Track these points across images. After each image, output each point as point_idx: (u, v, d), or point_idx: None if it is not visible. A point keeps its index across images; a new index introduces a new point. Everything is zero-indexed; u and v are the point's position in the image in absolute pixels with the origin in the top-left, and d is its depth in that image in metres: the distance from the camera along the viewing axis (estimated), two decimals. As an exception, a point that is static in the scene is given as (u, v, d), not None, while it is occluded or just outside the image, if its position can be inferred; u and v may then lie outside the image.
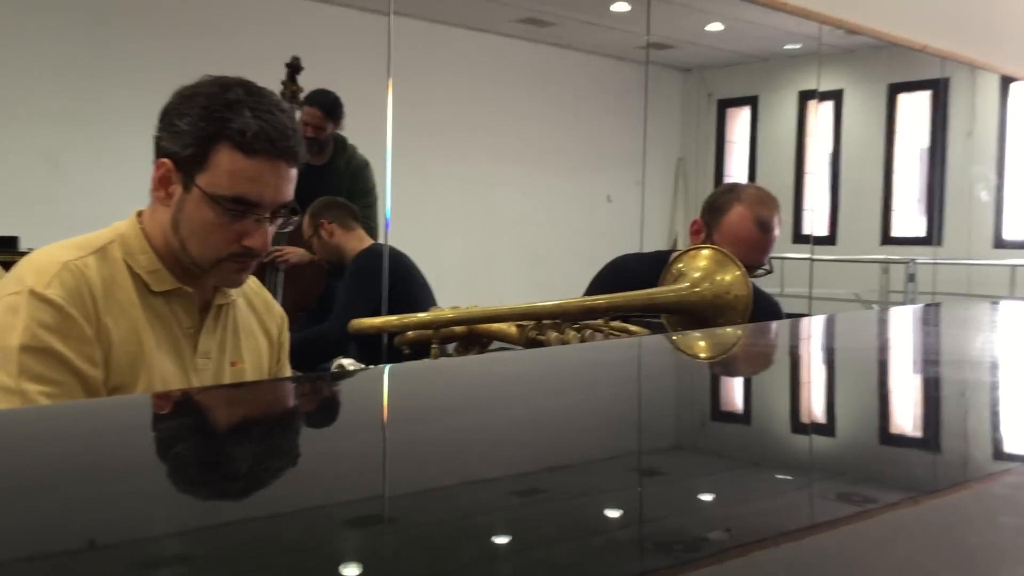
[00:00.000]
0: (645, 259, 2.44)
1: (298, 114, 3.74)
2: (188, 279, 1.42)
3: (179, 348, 1.42)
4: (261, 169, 1.36)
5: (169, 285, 1.40)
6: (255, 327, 1.56)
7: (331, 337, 2.98)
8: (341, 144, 3.90)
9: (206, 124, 1.34)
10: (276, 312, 1.63)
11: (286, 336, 1.65)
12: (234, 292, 1.51)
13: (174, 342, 1.41)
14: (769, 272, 2.27)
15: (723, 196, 2.31)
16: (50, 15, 5.35)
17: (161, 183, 1.39)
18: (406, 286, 3.24)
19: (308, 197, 3.51)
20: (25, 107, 5.24)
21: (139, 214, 1.44)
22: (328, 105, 3.83)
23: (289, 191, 1.42)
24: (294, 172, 1.42)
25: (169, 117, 1.38)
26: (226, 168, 1.35)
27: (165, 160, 1.38)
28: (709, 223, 2.28)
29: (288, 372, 1.66)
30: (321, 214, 3.32)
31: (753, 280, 2.19)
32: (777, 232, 2.27)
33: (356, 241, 3.33)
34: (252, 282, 1.60)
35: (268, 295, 1.65)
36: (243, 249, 1.39)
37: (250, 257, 1.41)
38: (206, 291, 1.46)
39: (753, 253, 2.16)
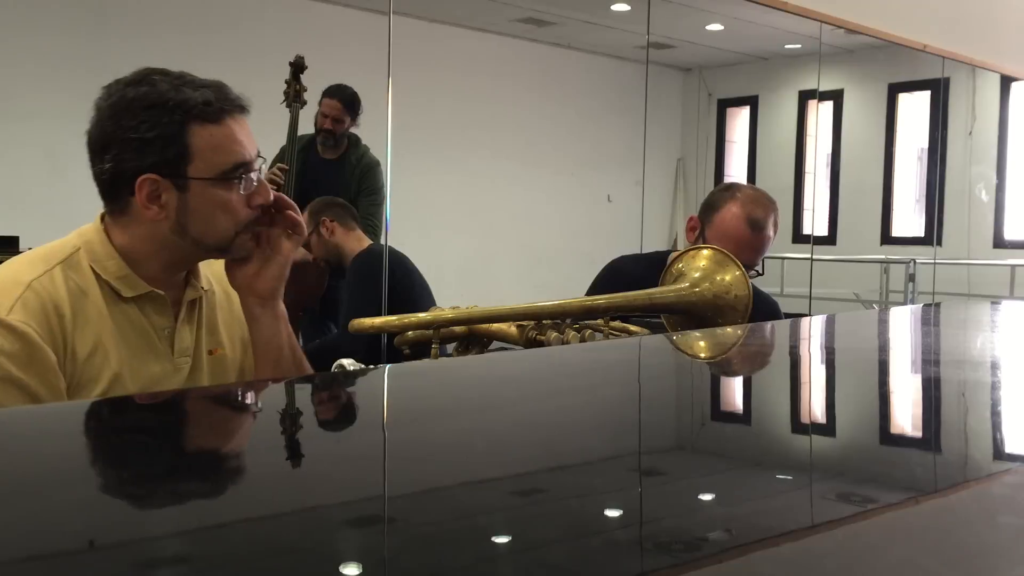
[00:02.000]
0: (642, 260, 2.45)
1: (302, 112, 3.74)
2: (159, 281, 1.38)
3: (158, 351, 1.38)
4: (233, 128, 1.34)
5: (140, 289, 1.36)
6: (235, 306, 1.49)
7: (345, 343, 2.98)
8: (354, 142, 3.91)
9: (168, 117, 1.29)
10: None
11: None
12: (205, 283, 1.46)
13: (152, 346, 1.37)
14: (759, 275, 2.27)
15: (719, 194, 2.33)
16: (51, 13, 5.35)
17: (151, 200, 1.32)
18: (405, 287, 3.24)
19: (319, 190, 3.52)
20: (26, 105, 5.23)
21: (103, 217, 1.39)
22: (347, 99, 3.83)
23: (254, 139, 1.39)
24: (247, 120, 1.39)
25: (117, 137, 1.30)
26: (208, 145, 1.31)
27: (147, 176, 1.30)
28: (703, 220, 2.30)
29: None
30: (322, 212, 3.32)
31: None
32: (771, 233, 2.28)
33: (355, 242, 3.34)
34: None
35: None
36: (256, 212, 1.37)
37: (258, 223, 1.39)
38: (179, 289, 1.42)
39: (743, 251, 2.15)
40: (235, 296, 1.51)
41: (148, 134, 1.29)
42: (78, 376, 1.29)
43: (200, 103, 1.30)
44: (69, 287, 1.30)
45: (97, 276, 1.33)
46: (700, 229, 2.31)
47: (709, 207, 2.31)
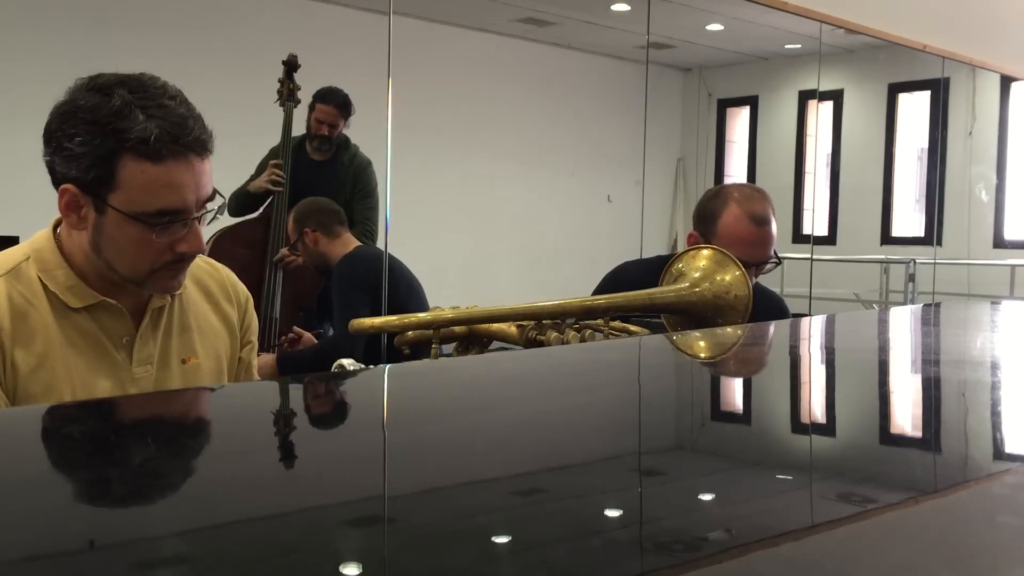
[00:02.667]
0: (645, 265, 2.44)
1: (296, 110, 3.75)
2: (112, 290, 1.32)
3: (112, 362, 1.31)
4: (175, 172, 1.24)
5: (90, 300, 1.30)
6: (210, 316, 1.44)
7: (343, 346, 2.99)
8: (344, 143, 3.90)
9: (101, 140, 1.21)
10: (236, 295, 1.51)
11: (251, 317, 1.53)
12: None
13: (105, 356, 1.31)
14: (779, 263, 2.26)
15: (712, 202, 2.29)
16: (50, 12, 5.35)
17: (70, 208, 1.26)
18: (392, 288, 3.23)
19: (312, 192, 3.51)
20: (25, 105, 5.23)
21: (56, 225, 1.33)
22: (341, 102, 3.83)
23: (208, 184, 1.29)
24: (207, 162, 1.28)
25: (56, 139, 1.24)
26: (138, 182, 1.22)
27: (68, 186, 1.25)
28: (705, 233, 2.26)
29: (255, 354, 1.54)
30: (304, 221, 3.28)
31: (759, 277, 2.20)
32: (774, 223, 2.26)
33: (341, 246, 3.29)
34: (204, 263, 1.48)
35: (225, 275, 1.52)
36: (177, 256, 1.29)
37: (185, 261, 1.32)
38: (140, 296, 1.35)
39: (756, 249, 2.16)
40: (213, 301, 1.46)
41: (78, 149, 1.22)
42: (21, 391, 1.24)
43: (137, 138, 1.21)
44: (12, 300, 1.26)
45: (45, 287, 1.28)
46: (704, 243, 2.26)
47: (706, 218, 2.26)
